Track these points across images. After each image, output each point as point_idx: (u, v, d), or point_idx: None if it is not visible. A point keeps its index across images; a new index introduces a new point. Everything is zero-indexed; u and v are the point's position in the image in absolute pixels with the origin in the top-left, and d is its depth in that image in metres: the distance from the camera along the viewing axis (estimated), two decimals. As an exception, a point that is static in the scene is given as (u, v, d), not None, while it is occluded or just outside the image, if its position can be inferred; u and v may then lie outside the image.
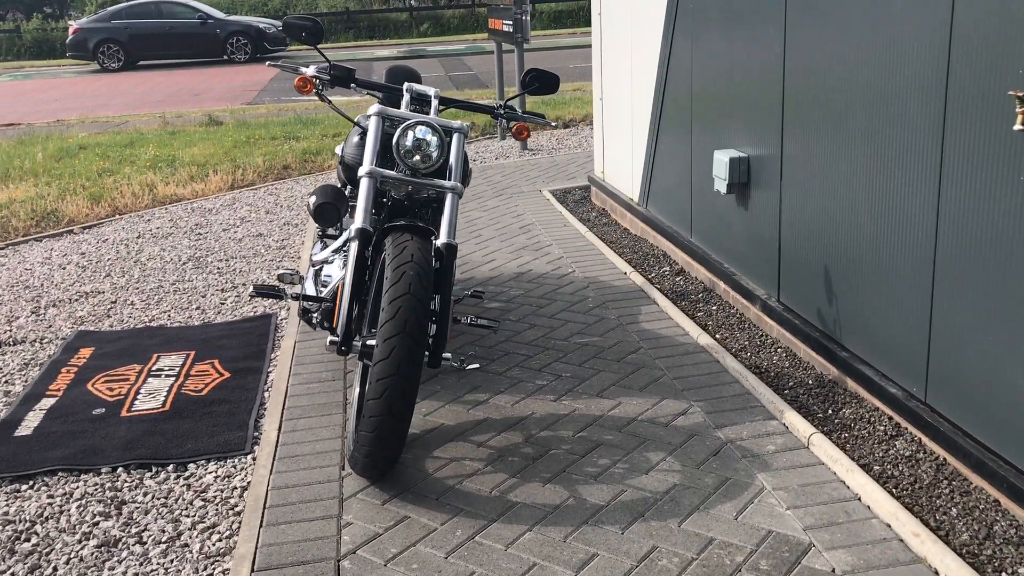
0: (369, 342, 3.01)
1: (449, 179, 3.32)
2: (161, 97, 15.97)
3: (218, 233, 6.66)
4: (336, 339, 3.04)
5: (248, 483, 3.16)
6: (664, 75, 5.24)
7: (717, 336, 4.15)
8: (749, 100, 4.20)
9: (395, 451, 2.83)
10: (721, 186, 4.38)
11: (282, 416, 3.56)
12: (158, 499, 3.11)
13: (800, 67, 3.71)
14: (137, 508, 3.05)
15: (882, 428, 3.20)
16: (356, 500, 2.92)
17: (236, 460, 3.33)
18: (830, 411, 3.38)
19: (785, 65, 3.83)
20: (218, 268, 5.79)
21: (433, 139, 3.23)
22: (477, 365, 3.48)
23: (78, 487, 3.20)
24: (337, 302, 3.10)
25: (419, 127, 3.23)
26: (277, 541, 2.72)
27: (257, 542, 2.73)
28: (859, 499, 2.78)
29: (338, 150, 4.57)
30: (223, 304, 5.12)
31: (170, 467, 3.31)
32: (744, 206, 4.35)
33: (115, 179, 8.51)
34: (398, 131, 3.23)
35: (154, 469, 3.30)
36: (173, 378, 4.07)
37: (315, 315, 3.70)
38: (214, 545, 2.82)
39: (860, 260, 3.40)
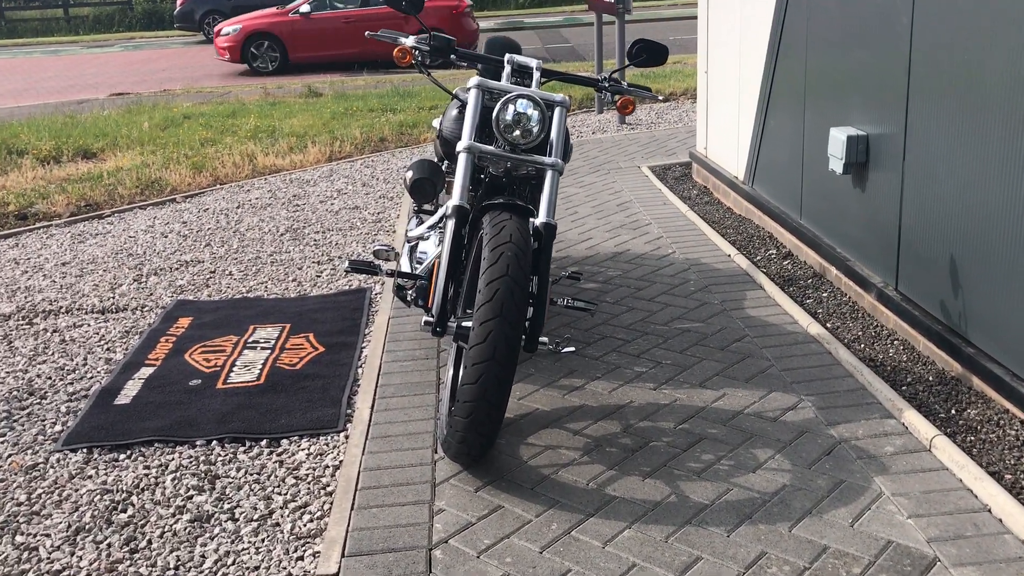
0: (465, 324, 2.91)
1: (549, 155, 3.19)
2: (263, 68, 16.17)
3: (315, 205, 6.67)
4: (431, 319, 2.95)
5: (340, 462, 3.11)
6: (776, 47, 4.98)
7: (828, 325, 3.93)
8: (870, 75, 3.94)
9: (490, 437, 2.73)
10: (837, 166, 4.13)
11: (375, 394, 3.50)
12: (251, 475, 3.08)
13: (929, 39, 3.45)
14: (230, 483, 3.03)
15: (1013, 432, 2.96)
16: (448, 486, 2.84)
17: (328, 438, 3.29)
18: (953, 411, 3.15)
19: (912, 37, 3.56)
20: (315, 240, 5.78)
21: (534, 113, 3.10)
22: (573, 348, 3.36)
23: (173, 459, 3.20)
24: (432, 280, 3.01)
25: (520, 100, 3.10)
26: (368, 525, 2.66)
27: (348, 525, 2.67)
28: (989, 511, 2.56)
29: (435, 123, 4.48)
30: (319, 277, 5.11)
31: (263, 442, 3.28)
32: (861, 187, 4.10)
33: (216, 149, 8.62)
34: (498, 104, 3.10)
35: (247, 443, 3.28)
36: (268, 351, 4.06)
37: (410, 292, 3.63)
38: (305, 526, 2.78)
39: (992, 250, 3.14)
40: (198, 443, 3.29)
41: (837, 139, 4.10)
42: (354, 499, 2.80)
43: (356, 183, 7.29)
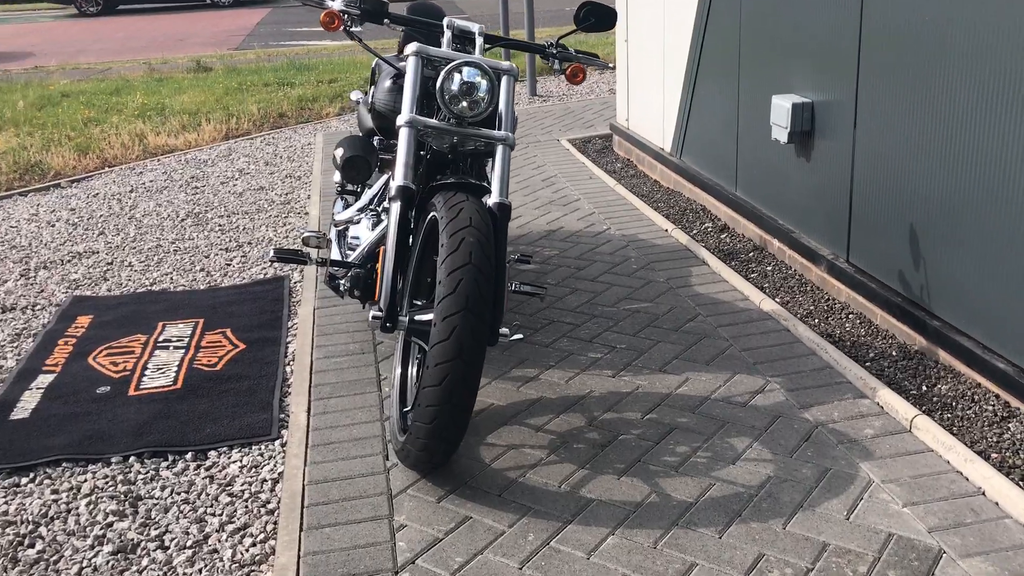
0: (419, 317, 2.63)
1: (500, 128, 2.92)
2: (143, 43, 15.32)
3: (216, 187, 6.24)
4: (379, 314, 2.66)
5: (279, 474, 2.80)
6: (706, 12, 4.81)
7: (777, 300, 3.79)
8: (815, 39, 3.80)
9: (454, 444, 2.47)
10: (781, 135, 3.99)
11: (310, 395, 3.19)
12: (178, 494, 2.74)
13: None
14: (155, 505, 2.69)
15: (990, 408, 2.86)
16: (407, 497, 2.57)
17: (262, 447, 2.97)
18: (924, 387, 3.04)
19: (865, -1, 3.43)
20: (220, 225, 5.38)
21: (482, 82, 2.82)
22: (521, 336, 3.13)
23: (86, 480, 2.83)
24: (378, 270, 2.72)
25: (466, 68, 2.82)
26: (322, 548, 2.37)
27: (299, 550, 2.38)
28: (983, 494, 2.45)
29: (355, 96, 4.15)
30: (229, 265, 4.72)
31: (188, 455, 2.94)
32: (806, 156, 3.97)
33: (102, 129, 8.02)
34: (442, 73, 2.81)
35: (170, 458, 2.93)
36: (183, 350, 3.69)
37: (343, 282, 3.32)
38: (247, 551, 2.47)
39: (957, 218, 3.04)
40: (113, 460, 2.93)
41: (781, 107, 3.95)
42: (302, 518, 2.51)
43: (258, 162, 6.86)
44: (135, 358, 3.63)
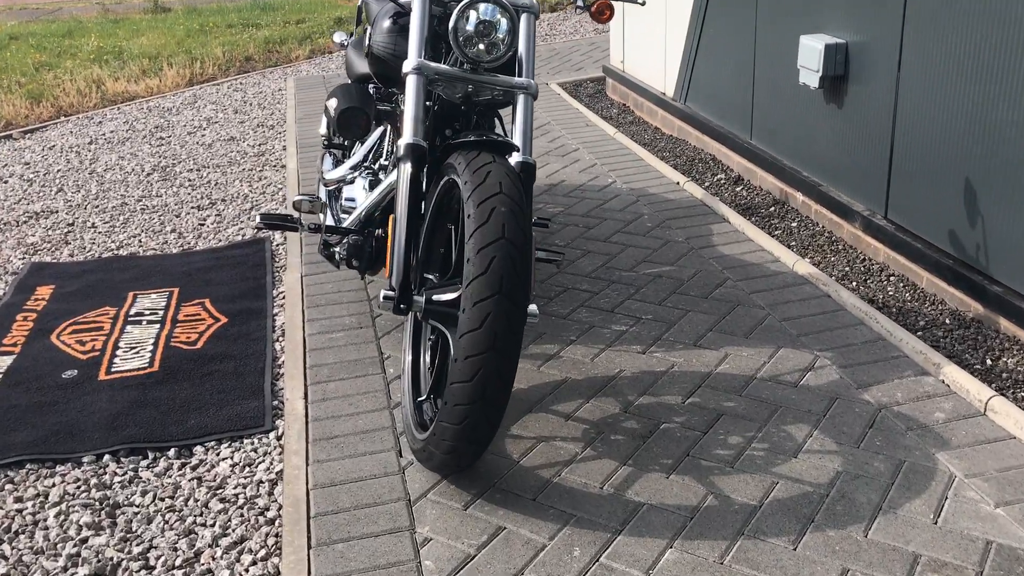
0: (439, 297, 2.28)
1: (520, 74, 2.55)
2: (95, -19, 14.52)
3: (183, 137, 5.79)
4: (391, 294, 2.31)
5: (277, 475, 2.46)
6: (720, -55, 4.43)
7: (808, 259, 3.48)
8: (854, -27, 3.44)
9: (485, 444, 2.15)
10: (810, 79, 3.64)
11: (305, 379, 2.85)
12: (162, 500, 2.40)
13: (943, -72, 2.95)
14: (137, 515, 2.35)
15: (1069, 386, 2.59)
16: (429, 503, 2.24)
17: (255, 440, 2.63)
18: (988, 361, 2.75)
19: (917, -74, 3.07)
20: (190, 180, 4.95)
21: (502, 21, 2.44)
22: (534, 306, 2.81)
23: (55, 485, 2.48)
24: (388, 243, 2.36)
25: (483, 5, 2.43)
26: (338, 571, 2.04)
27: (309, 571, 2.05)
28: (1082, 490, 2.17)
29: (339, 38, 3.74)
30: (203, 225, 4.33)
31: (171, 452, 2.59)
32: (838, 103, 3.63)
33: (55, 74, 7.48)
34: (455, 11, 2.43)
35: (150, 455, 2.59)
36: (158, 325, 3.31)
37: (339, 251, 2.95)
38: (247, 571, 2.14)
39: (1021, 172, 2.73)
40: (85, 460, 2.57)
41: (811, 48, 3.60)
42: (309, 531, 2.18)
43: (227, 110, 6.40)
44: (104, 335, 3.25)
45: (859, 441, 2.39)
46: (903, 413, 2.50)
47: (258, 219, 2.89)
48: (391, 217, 2.36)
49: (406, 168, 2.39)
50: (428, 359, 2.53)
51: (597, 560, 2.04)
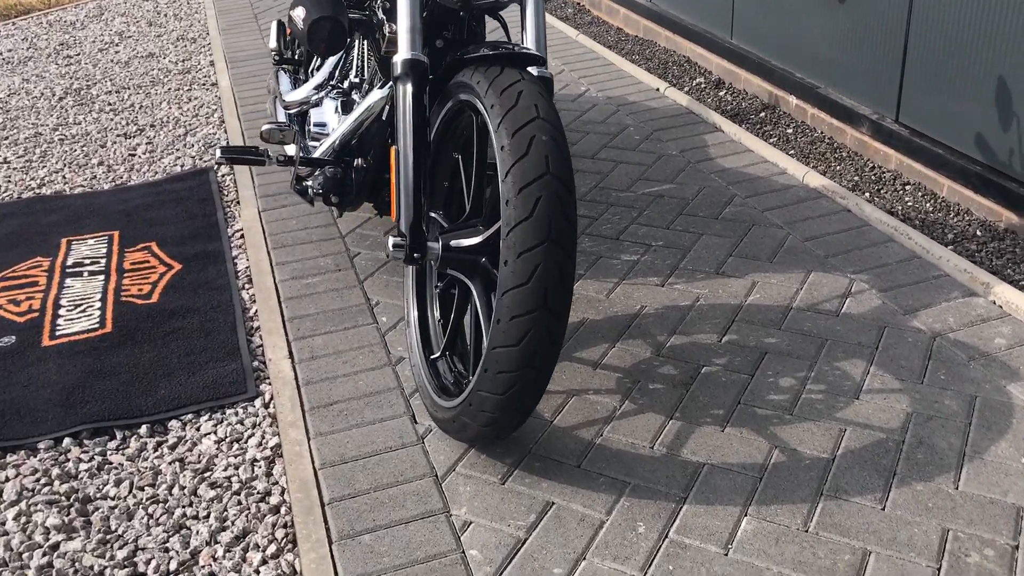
0: (459, 243, 1.95)
1: (525, -29, 2.19)
2: None
3: (94, 55, 5.21)
4: (402, 241, 1.96)
5: (273, 451, 2.14)
6: None
7: (817, 170, 3.23)
8: None
9: (530, 413, 1.86)
10: (810, -29, 3.33)
11: (287, 333, 2.51)
12: (141, 489, 2.07)
13: None
14: (113, 509, 2.01)
15: None
16: (461, 478, 1.96)
17: (239, 410, 2.29)
18: (1032, 276, 2.56)
19: None
20: (110, 104, 4.44)
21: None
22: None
23: (8, 480, 2.12)
24: (392, 180, 2.01)
25: None
26: (369, 571, 1.76)
27: (336, 571, 1.76)
28: None
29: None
30: (133, 155, 3.86)
31: (142, 429, 2.24)
32: (839, -3, 3.34)
33: (-64, -13, 6.68)
34: None
35: (119, 435, 2.23)
36: (102, 277, 2.91)
37: (311, 184, 2.58)
38: (258, 573, 1.83)
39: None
40: (41, 446, 2.21)
41: (812, -64, 3.28)
42: (326, 521, 1.88)
43: (139, 22, 5.80)
44: (41, 292, 2.84)
45: (921, 376, 2.18)
46: (960, 341, 2.29)
47: (217, 153, 2.49)
48: (392, 149, 2.00)
49: (407, 89, 2.02)
50: (438, 312, 2.21)
51: (666, 536, 1.79)
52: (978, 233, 2.79)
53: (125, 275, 2.91)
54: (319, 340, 2.46)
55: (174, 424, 2.26)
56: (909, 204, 2.99)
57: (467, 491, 1.92)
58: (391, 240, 1.95)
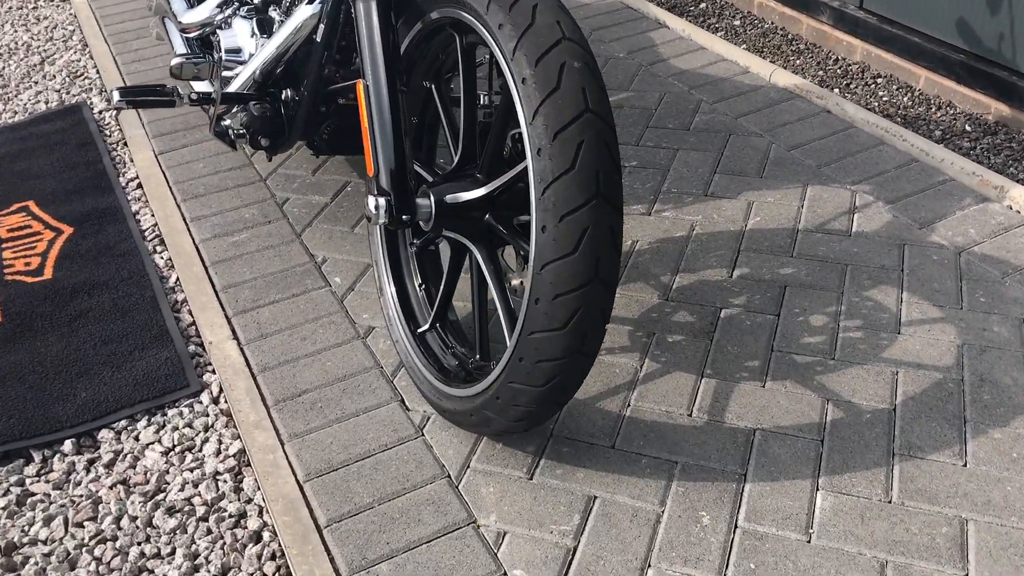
0: (459, 196, 1.58)
1: None
2: None
3: (-89, -29, 4.41)
4: (385, 199, 1.58)
5: (237, 459, 1.77)
6: None
7: (779, 65, 2.96)
8: None
9: (566, 403, 1.54)
10: None
11: (223, 307, 2.11)
12: (80, 526, 1.68)
13: None
14: (49, 559, 1.62)
15: None
16: (479, 476, 1.65)
17: (182, 410, 1.90)
18: (1037, 174, 2.39)
19: None
20: (-59, 30, 3.75)
21: None
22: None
23: (-95, 532, 1.69)
24: (364, 123, 1.61)
25: None
26: (397, 611, 1.45)
27: (355, 618, 1.45)
28: None
29: None
30: (-17, 93, 3.26)
31: (66, 446, 1.83)
32: None
33: None
34: None
35: (37, 456, 1.82)
36: (-25, 251, 2.41)
37: (231, 124, 2.14)
38: (252, 623, 1.50)
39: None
40: (-61, 482, 1.78)
41: None
42: (328, 551, 1.55)
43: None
44: (-100, 277, 2.32)
45: (959, 300, 1.98)
46: (988, 255, 2.09)
47: (115, 96, 2.01)
48: (359, 84, 1.60)
49: (371, 6, 1.61)
50: (418, 276, 1.86)
51: (736, 526, 1.54)
52: (967, 128, 2.59)
53: (4, 246, 2.42)
54: (265, 313, 2.08)
55: (105, 435, 1.86)
56: (885, 99, 2.77)
57: (491, 492, 1.62)
58: (372, 201, 1.57)
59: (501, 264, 1.63)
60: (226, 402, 1.90)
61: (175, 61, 2.02)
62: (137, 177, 2.67)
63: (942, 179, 2.35)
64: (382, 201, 1.57)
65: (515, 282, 1.57)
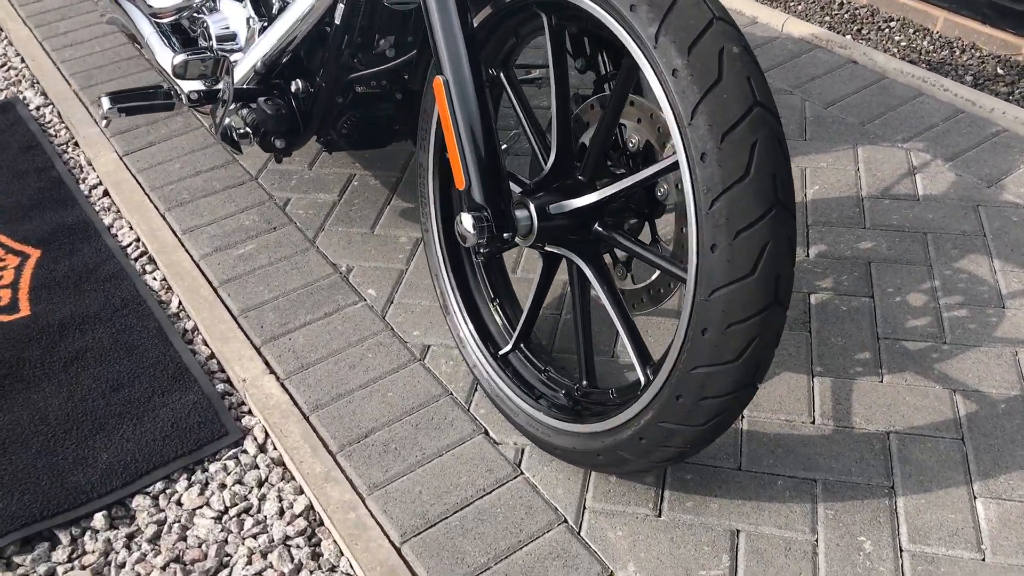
0: (563, 205, 1.36)
1: None
2: None
3: None
4: (482, 216, 1.34)
5: (308, 518, 1.54)
6: None
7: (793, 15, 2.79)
8: None
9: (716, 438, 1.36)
10: None
11: (247, 335, 1.84)
12: (137, 621, 1.43)
13: None
14: (111, 667, 1.37)
15: None
16: (599, 517, 1.46)
17: (227, 463, 1.65)
18: (1085, 117, 2.28)
19: None
20: None
21: None
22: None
23: (-77, 653, 1.41)
24: (449, 131, 1.36)
25: None
26: None
27: None
28: None
29: None
30: None
31: (96, 519, 1.57)
32: None
33: None
34: None
35: (65, 536, 1.55)
36: (-72, 288, 2.07)
37: (234, 125, 1.85)
38: None
39: None
40: (-47, 583, 1.49)
41: None
42: (451, 626, 1.34)
43: None
44: None
45: (1053, 265, 1.86)
46: (1069, 212, 1.98)
47: (104, 105, 1.71)
48: (438, 81, 1.35)
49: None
50: (489, 289, 1.64)
51: (902, 549, 1.39)
52: (999, 72, 2.47)
53: (-37, 279, 2.09)
54: (298, 338, 1.82)
55: (140, 502, 1.60)
56: (903, 44, 2.62)
57: (620, 537, 1.43)
58: (467, 219, 1.33)
59: (614, 278, 1.43)
60: (276, 449, 1.65)
61: (178, 59, 1.72)
62: (101, 184, 2.34)
63: (995, 130, 2.22)
64: (478, 218, 1.33)
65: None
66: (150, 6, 2.04)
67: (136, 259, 2.11)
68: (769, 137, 1.13)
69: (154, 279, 2.05)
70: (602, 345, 1.74)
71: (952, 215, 1.99)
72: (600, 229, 1.39)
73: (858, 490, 1.47)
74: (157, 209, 2.20)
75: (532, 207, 1.38)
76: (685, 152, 1.15)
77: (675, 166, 1.22)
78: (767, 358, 1.20)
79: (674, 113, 1.15)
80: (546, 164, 1.43)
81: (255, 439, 1.68)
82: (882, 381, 1.65)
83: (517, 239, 1.39)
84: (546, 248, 1.44)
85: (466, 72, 1.34)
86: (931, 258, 1.89)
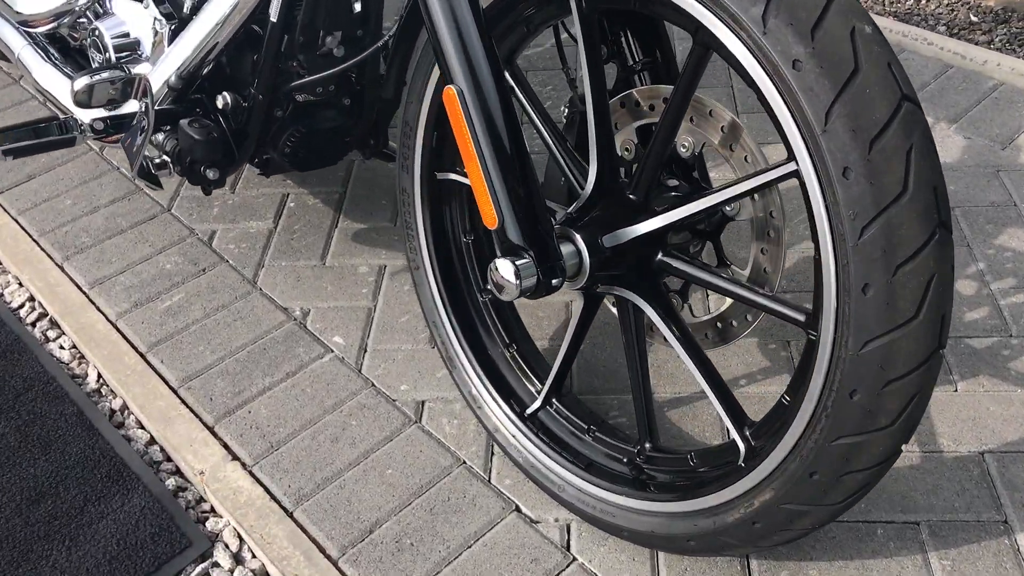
0: (618, 235, 1.08)
1: None
2: None
3: None
4: (524, 260, 1.04)
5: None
6: None
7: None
8: None
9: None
10: None
11: (194, 412, 1.50)
12: None
13: None
14: None
15: None
16: (684, 607, 1.20)
17: (195, 582, 1.32)
18: (1075, 63, 2.13)
19: None
20: None
21: None
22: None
23: None
24: (471, 155, 1.06)
25: None
26: None
27: None
28: None
29: None
30: None
31: None
32: None
33: None
34: None
35: None
36: None
37: (151, 154, 1.49)
38: None
39: None
40: None
41: None
42: None
43: None
44: None
45: (1098, 232, 1.69)
46: (1094, 170, 1.81)
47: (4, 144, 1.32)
48: (448, 91, 1.05)
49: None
50: (503, 333, 1.35)
51: (1039, 600, 1.18)
52: (972, 19, 2.31)
53: None
54: (260, 410, 1.49)
55: (92, 652, 1.25)
56: (936, 12, 2.42)
57: (714, 628, 1.17)
58: (507, 266, 1.03)
59: (683, 320, 1.16)
60: (255, 556, 1.33)
61: (80, 84, 1.35)
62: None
63: (992, 84, 2.04)
64: (520, 264, 1.03)
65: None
66: (18, 12, 1.64)
67: (33, 324, 1.72)
68: (924, 139, 0.87)
69: (61, 348, 1.68)
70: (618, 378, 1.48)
71: (975, 184, 1.80)
72: (666, 259, 1.12)
73: (969, 530, 1.26)
74: (52, 259, 1.81)
75: (579, 240, 1.10)
76: (815, 167, 0.88)
77: (791, 175, 0.95)
78: (920, 415, 0.95)
79: (797, 117, 0.88)
80: (584, 184, 1.14)
81: (227, 546, 1.35)
82: (956, 390, 1.44)
83: (580, 282, 1.11)
84: (599, 288, 1.16)
85: (488, 79, 1.04)
86: (967, 237, 1.69)
